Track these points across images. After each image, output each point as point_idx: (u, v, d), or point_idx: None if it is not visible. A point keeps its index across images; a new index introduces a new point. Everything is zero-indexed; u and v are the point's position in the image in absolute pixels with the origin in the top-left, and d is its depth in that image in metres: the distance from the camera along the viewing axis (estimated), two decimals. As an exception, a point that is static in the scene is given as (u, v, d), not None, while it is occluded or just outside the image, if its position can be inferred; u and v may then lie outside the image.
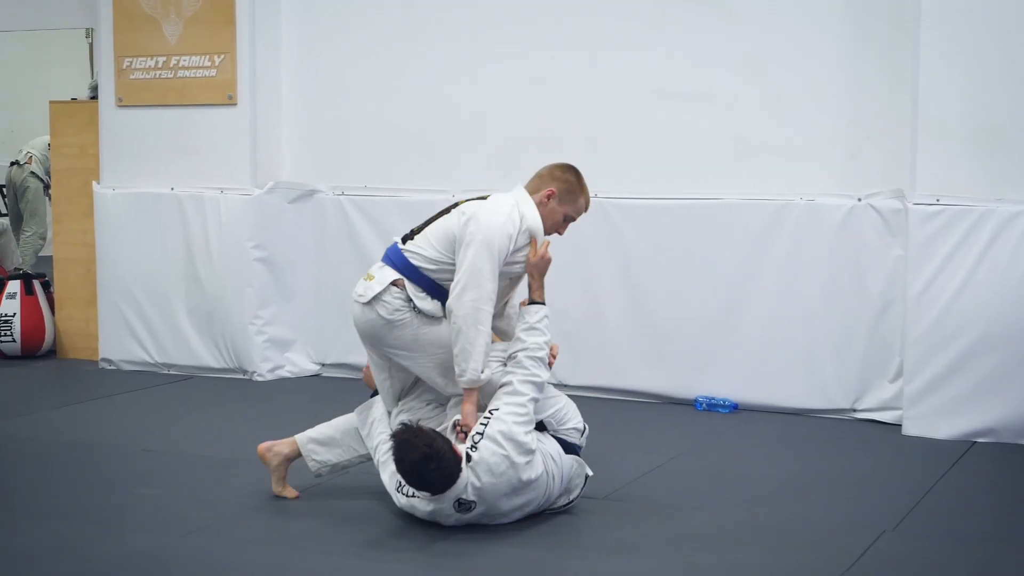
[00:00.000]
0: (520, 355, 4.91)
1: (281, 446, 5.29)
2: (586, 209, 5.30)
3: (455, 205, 5.15)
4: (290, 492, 5.27)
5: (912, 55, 6.33)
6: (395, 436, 4.73)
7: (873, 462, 5.96)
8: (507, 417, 4.78)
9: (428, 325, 4.99)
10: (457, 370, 4.87)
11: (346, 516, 5.03)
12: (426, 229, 5.10)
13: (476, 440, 4.76)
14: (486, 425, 4.78)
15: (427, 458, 4.61)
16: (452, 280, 4.92)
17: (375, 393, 5.31)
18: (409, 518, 4.90)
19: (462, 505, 4.75)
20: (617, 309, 7.15)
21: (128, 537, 4.80)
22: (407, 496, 4.84)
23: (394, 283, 4.98)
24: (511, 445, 4.73)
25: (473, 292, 4.82)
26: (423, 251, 5.01)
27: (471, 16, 7.50)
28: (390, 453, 4.85)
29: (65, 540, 4.77)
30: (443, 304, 4.96)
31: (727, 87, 6.96)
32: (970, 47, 6.17)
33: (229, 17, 7.72)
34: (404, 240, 5.12)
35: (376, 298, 4.98)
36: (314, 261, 7.91)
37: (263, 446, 5.31)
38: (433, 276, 4.99)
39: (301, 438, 5.30)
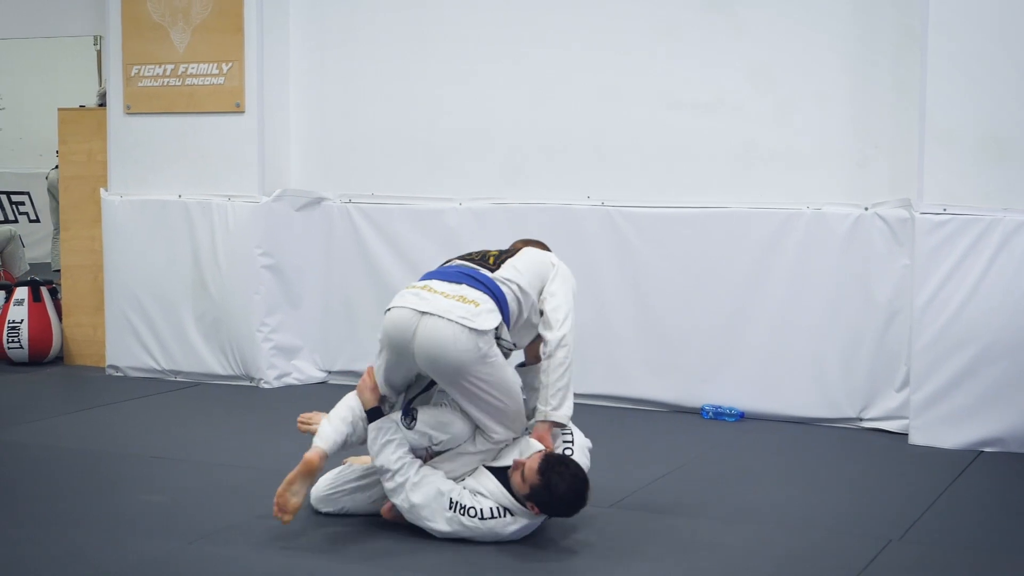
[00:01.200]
0: None
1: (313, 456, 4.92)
2: None
3: (510, 249, 5.09)
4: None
5: (920, 64, 6.34)
6: (557, 471, 4.62)
7: (879, 471, 5.96)
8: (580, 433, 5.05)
9: (507, 367, 4.85)
10: (555, 402, 4.83)
11: (353, 524, 5.02)
12: (512, 260, 4.96)
13: (569, 454, 4.90)
14: (571, 441, 4.96)
15: (585, 483, 4.69)
16: (534, 318, 4.90)
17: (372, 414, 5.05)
18: (414, 529, 4.89)
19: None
20: (624, 317, 7.16)
21: (135, 543, 4.81)
22: (482, 519, 4.74)
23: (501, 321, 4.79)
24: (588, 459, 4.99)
25: (573, 324, 4.87)
26: (520, 281, 4.87)
27: (478, 25, 7.52)
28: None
29: (72, 546, 4.78)
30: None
31: (734, 95, 6.96)
32: (978, 57, 6.18)
33: (237, 25, 7.74)
34: (481, 266, 4.91)
35: (485, 331, 4.69)
36: (321, 269, 7.92)
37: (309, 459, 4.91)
38: (520, 309, 4.87)
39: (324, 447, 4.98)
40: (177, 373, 8.05)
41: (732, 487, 5.63)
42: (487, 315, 4.71)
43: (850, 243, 6.68)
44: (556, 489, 4.61)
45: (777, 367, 6.86)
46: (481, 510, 4.75)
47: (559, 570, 4.58)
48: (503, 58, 7.47)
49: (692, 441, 6.48)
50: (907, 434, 6.44)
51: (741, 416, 6.91)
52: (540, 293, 4.94)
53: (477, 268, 4.91)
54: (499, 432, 4.87)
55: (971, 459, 6.09)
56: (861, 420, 6.73)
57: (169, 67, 7.96)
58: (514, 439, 4.94)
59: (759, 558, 4.68)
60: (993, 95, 6.17)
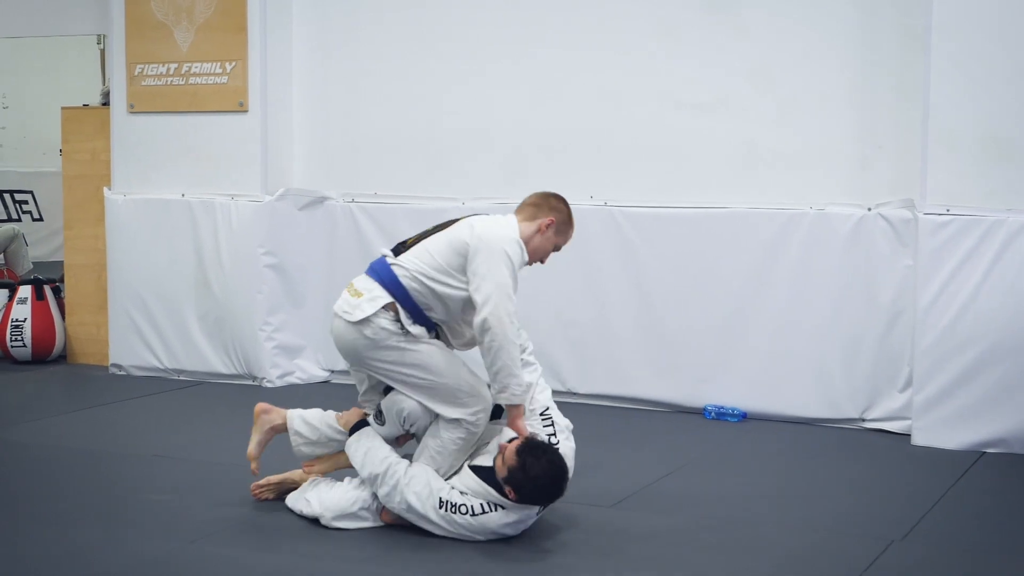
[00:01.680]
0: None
1: (275, 415, 5.30)
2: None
3: (450, 222, 5.06)
4: (255, 464, 5.26)
5: (923, 65, 6.33)
6: (534, 454, 4.67)
7: (882, 472, 5.96)
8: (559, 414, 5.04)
9: (414, 345, 4.90)
10: (498, 386, 4.83)
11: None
12: (424, 242, 4.98)
13: (554, 441, 4.91)
14: (551, 424, 4.97)
15: (563, 471, 4.73)
16: (450, 293, 4.86)
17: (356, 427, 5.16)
18: (418, 529, 4.89)
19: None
20: (626, 318, 7.16)
21: (138, 542, 4.82)
22: (474, 515, 4.75)
23: (385, 306, 4.87)
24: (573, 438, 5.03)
25: (505, 305, 4.76)
26: (420, 264, 4.88)
27: (481, 25, 7.52)
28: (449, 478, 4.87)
29: (74, 545, 4.79)
30: (428, 329, 4.92)
31: (737, 96, 6.96)
32: (981, 58, 6.17)
33: (241, 24, 7.75)
34: (395, 254, 5.02)
35: (365, 320, 4.86)
36: (324, 268, 7.92)
37: (261, 406, 5.36)
38: (429, 289, 4.87)
39: (293, 418, 5.26)
40: (180, 372, 8.06)
41: (734, 487, 5.62)
42: (367, 304, 4.87)
43: (853, 244, 6.68)
44: (531, 471, 4.63)
45: (779, 367, 6.86)
46: (472, 507, 4.75)
47: (560, 569, 4.58)
48: (505, 58, 7.47)
49: (694, 441, 6.48)
50: (909, 435, 6.44)
51: (743, 416, 6.91)
52: (464, 270, 4.89)
53: (386, 256, 5.03)
54: (452, 411, 4.89)
55: (973, 460, 6.09)
56: (863, 421, 6.73)
57: (172, 66, 7.96)
58: (499, 430, 4.98)
59: (761, 559, 4.68)
60: (996, 96, 6.16)
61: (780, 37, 6.87)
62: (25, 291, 8.57)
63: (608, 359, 7.19)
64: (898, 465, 6.06)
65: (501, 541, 4.78)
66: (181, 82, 7.96)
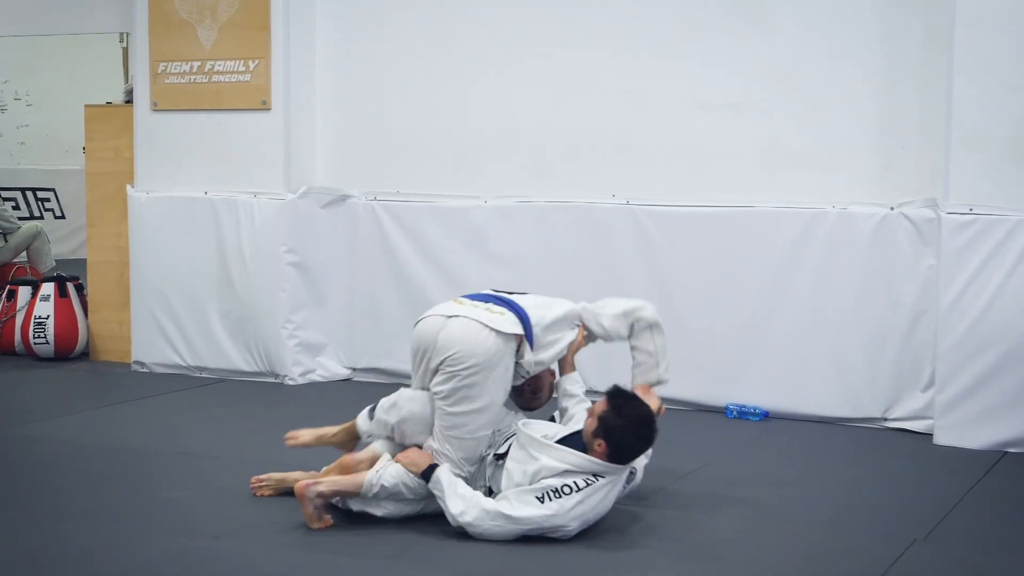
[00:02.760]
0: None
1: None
2: None
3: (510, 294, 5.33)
4: (326, 521, 5.03)
5: (946, 64, 6.32)
6: (624, 397, 4.91)
7: (904, 471, 5.95)
8: None
9: (504, 382, 5.06)
10: (661, 361, 5.42)
11: (379, 521, 5.04)
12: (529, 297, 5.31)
13: None
14: None
15: (651, 413, 4.98)
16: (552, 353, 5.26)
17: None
18: (439, 526, 4.90)
19: (632, 474, 5.07)
20: (648, 316, 7.14)
21: (160, 539, 4.83)
22: (579, 489, 4.74)
23: (516, 335, 5.07)
24: None
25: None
26: (539, 313, 5.18)
27: (505, 24, 7.52)
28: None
29: (97, 541, 4.81)
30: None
31: (761, 96, 6.96)
32: (1004, 57, 6.16)
33: (264, 23, 7.77)
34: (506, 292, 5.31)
35: (508, 335, 5.03)
36: (346, 266, 7.94)
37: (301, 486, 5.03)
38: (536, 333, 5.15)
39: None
40: (202, 369, 8.08)
41: (756, 486, 5.62)
42: (511, 323, 5.04)
43: (876, 243, 6.66)
44: (623, 412, 4.81)
45: (801, 367, 6.85)
46: (575, 483, 4.75)
47: (581, 566, 4.59)
48: (529, 57, 7.47)
49: (716, 440, 6.48)
50: (932, 434, 6.43)
51: (765, 415, 6.91)
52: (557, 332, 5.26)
53: (502, 293, 5.28)
54: (448, 449, 4.98)
55: (996, 459, 6.07)
56: (886, 420, 6.72)
57: (196, 64, 7.98)
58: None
59: (782, 557, 4.68)
60: (1019, 95, 6.14)
61: (803, 37, 6.86)
62: (48, 288, 8.61)
63: (630, 357, 7.17)
64: (920, 464, 6.05)
65: (526, 540, 4.77)
66: (204, 80, 7.98)
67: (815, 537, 4.92)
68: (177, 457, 6.09)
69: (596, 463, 4.79)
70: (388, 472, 4.94)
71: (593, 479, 4.78)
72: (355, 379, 7.97)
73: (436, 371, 5.03)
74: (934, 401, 6.43)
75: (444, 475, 4.87)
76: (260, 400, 7.46)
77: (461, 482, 4.89)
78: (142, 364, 8.24)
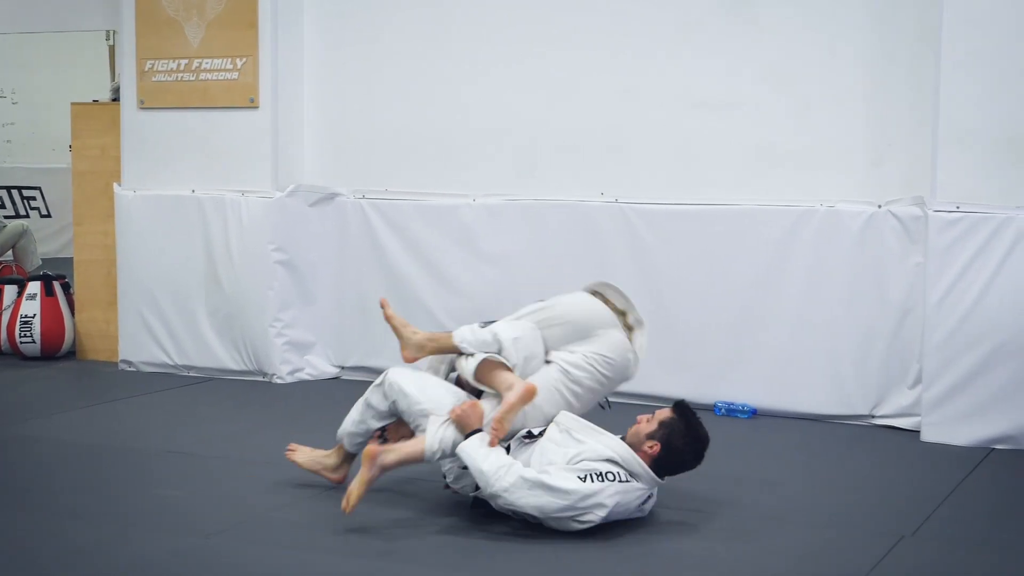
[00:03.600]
0: None
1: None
2: None
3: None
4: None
5: (934, 64, 6.34)
6: (689, 411, 5.01)
7: (892, 468, 5.97)
8: None
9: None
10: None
11: (369, 520, 5.03)
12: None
13: None
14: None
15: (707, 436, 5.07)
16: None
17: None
18: (431, 524, 4.90)
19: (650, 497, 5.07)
20: (637, 314, 7.16)
21: (150, 539, 4.83)
22: (621, 481, 4.79)
23: None
24: None
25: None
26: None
27: (494, 23, 7.52)
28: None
29: (86, 541, 4.80)
30: None
31: (750, 94, 6.97)
32: (992, 56, 6.18)
33: (252, 20, 7.76)
34: None
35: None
36: (335, 264, 7.93)
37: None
38: None
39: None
40: (190, 368, 8.07)
41: (744, 484, 5.64)
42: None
43: (864, 241, 6.68)
44: (691, 424, 4.97)
45: (790, 364, 6.87)
46: (618, 474, 4.80)
47: (571, 563, 4.59)
48: (518, 56, 7.47)
49: (704, 438, 6.48)
50: (919, 431, 6.45)
51: (754, 413, 6.92)
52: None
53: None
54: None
55: (983, 456, 6.10)
56: (873, 417, 6.74)
57: (183, 62, 7.97)
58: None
59: (771, 554, 4.69)
60: (1007, 94, 6.17)
61: (792, 36, 6.88)
62: (34, 287, 8.59)
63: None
64: (908, 461, 6.08)
65: (518, 536, 4.78)
66: (192, 78, 7.97)
67: (804, 533, 4.93)
68: (166, 456, 6.09)
69: (640, 464, 4.84)
70: (447, 435, 4.93)
71: (630, 478, 4.82)
72: (344, 377, 7.96)
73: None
74: (921, 398, 6.46)
75: (483, 440, 4.86)
76: (248, 399, 7.45)
77: (500, 449, 4.89)
78: (129, 363, 8.23)
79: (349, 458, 5.40)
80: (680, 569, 4.54)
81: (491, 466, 4.77)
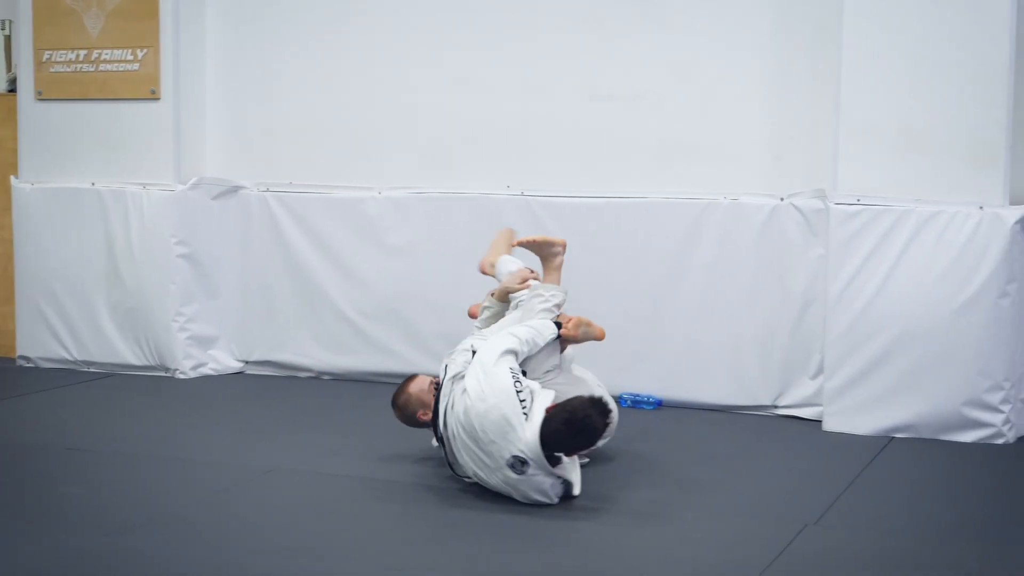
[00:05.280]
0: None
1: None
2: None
3: None
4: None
5: (835, 59, 6.43)
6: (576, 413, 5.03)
7: (795, 457, 6.05)
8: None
9: None
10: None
11: (274, 515, 5.00)
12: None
13: None
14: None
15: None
16: None
17: None
18: (339, 519, 4.88)
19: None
20: (543, 307, 7.17)
21: (53, 536, 4.74)
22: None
23: None
24: None
25: None
26: None
27: (400, 14, 7.49)
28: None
29: (-12, 539, 4.71)
30: None
31: (654, 88, 7.02)
32: (891, 52, 6.28)
33: (152, 11, 7.65)
34: None
35: None
36: (239, 258, 7.86)
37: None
38: None
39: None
40: (90, 364, 7.94)
41: (649, 474, 5.67)
42: None
43: (766, 233, 6.76)
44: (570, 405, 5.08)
45: (694, 356, 6.93)
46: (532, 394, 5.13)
47: (470, 548, 4.60)
48: (425, 48, 7.45)
49: (610, 429, 6.52)
50: (821, 421, 6.55)
51: (659, 404, 6.98)
52: None
53: None
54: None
55: (883, 445, 6.20)
56: (776, 407, 6.83)
57: (82, 52, 7.84)
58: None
59: (676, 543, 4.73)
60: (907, 87, 6.27)
61: (697, 32, 6.93)
62: (-71, 282, 8.40)
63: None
64: (810, 450, 6.16)
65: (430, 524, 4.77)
66: (91, 69, 7.84)
67: (709, 524, 4.98)
68: (67, 453, 5.98)
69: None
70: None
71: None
72: (248, 372, 7.89)
73: None
74: (823, 388, 6.55)
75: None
76: (150, 394, 7.35)
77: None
78: (27, 359, 8.08)
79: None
80: (585, 558, 4.55)
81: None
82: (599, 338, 5.86)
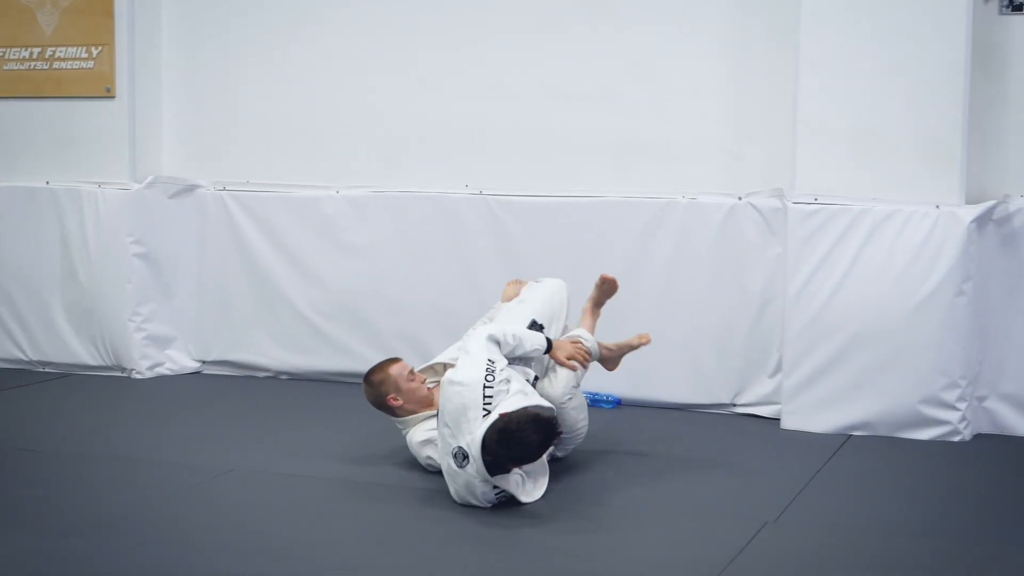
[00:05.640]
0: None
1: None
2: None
3: None
4: None
5: (793, 58, 6.46)
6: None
7: (753, 455, 6.06)
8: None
9: None
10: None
11: (231, 515, 4.97)
12: None
13: None
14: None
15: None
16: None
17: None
18: (314, 525, 4.86)
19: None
20: (502, 306, 7.17)
21: (6, 537, 4.68)
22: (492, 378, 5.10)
23: None
24: None
25: None
26: None
27: (359, 13, 7.47)
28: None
29: (-59, 542, 4.65)
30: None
31: (612, 87, 7.03)
32: (848, 51, 6.32)
33: (107, 8, 7.59)
34: None
35: None
36: (195, 257, 7.81)
37: None
38: None
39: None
40: (45, 364, 7.88)
41: (607, 473, 5.67)
42: None
43: (724, 232, 6.78)
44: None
45: (653, 354, 6.87)
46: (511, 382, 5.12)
47: (423, 553, 4.59)
48: (383, 46, 7.43)
49: (570, 428, 6.51)
50: (779, 419, 6.58)
51: (617, 403, 6.99)
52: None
53: None
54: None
55: (841, 443, 6.24)
56: (735, 406, 6.85)
57: (36, 50, 7.77)
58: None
59: (635, 542, 4.72)
60: (864, 89, 6.31)
61: (654, 31, 6.95)
62: None
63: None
64: (769, 449, 6.18)
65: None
66: (45, 67, 7.77)
67: (667, 522, 4.98)
68: (22, 454, 5.92)
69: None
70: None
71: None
72: (205, 372, 7.84)
73: None
74: (781, 386, 6.58)
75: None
76: (106, 395, 7.30)
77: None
78: (-19, 359, 8.01)
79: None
80: (543, 561, 4.54)
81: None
82: (634, 347, 5.99)
